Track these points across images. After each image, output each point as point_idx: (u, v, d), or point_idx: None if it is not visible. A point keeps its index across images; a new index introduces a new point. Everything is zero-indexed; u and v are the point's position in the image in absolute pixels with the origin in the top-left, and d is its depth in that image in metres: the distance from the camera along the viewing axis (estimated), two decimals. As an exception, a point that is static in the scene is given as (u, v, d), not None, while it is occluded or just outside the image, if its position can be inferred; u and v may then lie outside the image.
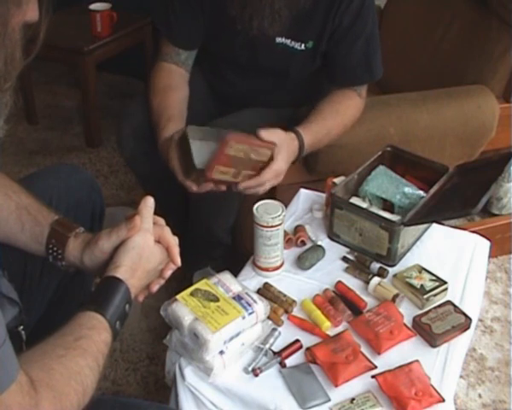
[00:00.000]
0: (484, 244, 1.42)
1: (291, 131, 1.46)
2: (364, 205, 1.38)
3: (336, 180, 1.44)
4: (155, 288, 1.03)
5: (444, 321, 1.17)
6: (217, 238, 1.72)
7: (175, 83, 1.60)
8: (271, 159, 1.37)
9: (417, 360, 1.09)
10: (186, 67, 1.65)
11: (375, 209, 1.37)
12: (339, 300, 1.23)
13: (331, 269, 1.33)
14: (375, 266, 1.32)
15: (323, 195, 1.49)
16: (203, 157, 1.34)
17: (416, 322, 1.18)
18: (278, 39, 1.56)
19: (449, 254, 1.38)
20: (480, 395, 1.64)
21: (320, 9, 1.52)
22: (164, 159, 1.43)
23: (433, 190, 1.37)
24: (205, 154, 1.34)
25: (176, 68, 1.63)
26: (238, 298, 1.10)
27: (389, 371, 1.07)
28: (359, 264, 1.34)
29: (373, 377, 1.07)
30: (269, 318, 1.15)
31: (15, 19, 0.75)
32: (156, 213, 1.03)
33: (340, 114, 1.57)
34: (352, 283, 1.29)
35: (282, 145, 1.39)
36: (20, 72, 0.78)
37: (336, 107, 1.57)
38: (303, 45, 1.57)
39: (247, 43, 1.56)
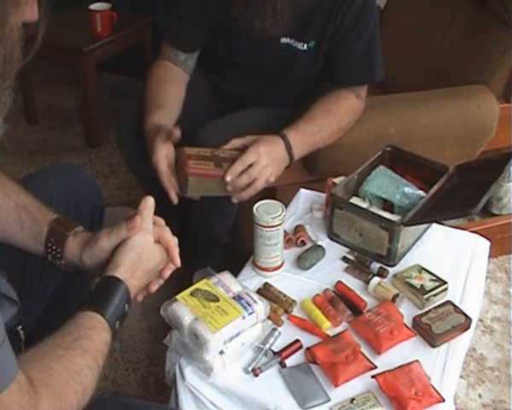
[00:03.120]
0: (484, 244, 1.42)
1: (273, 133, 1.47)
2: (364, 205, 1.38)
3: (336, 180, 1.44)
4: (155, 288, 1.04)
5: (444, 321, 1.17)
6: (217, 238, 1.71)
7: (170, 78, 1.60)
8: None
9: (417, 360, 1.09)
10: (185, 68, 1.65)
11: (375, 209, 1.37)
12: (339, 300, 1.23)
13: (331, 269, 1.33)
14: (375, 266, 1.32)
15: (323, 195, 1.49)
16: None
17: (416, 322, 1.18)
18: (283, 40, 1.55)
19: (449, 254, 1.38)
20: (480, 395, 1.64)
21: (322, 9, 1.52)
22: (148, 145, 1.42)
23: (433, 190, 1.37)
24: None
25: (173, 67, 1.63)
26: (238, 298, 1.10)
27: (389, 371, 1.07)
28: (359, 264, 1.33)
29: (373, 377, 1.06)
30: (269, 318, 1.15)
31: (14, 18, 0.75)
32: (156, 213, 1.03)
33: (332, 113, 1.56)
34: (352, 283, 1.29)
35: (255, 139, 1.41)
36: (18, 71, 0.78)
37: (328, 106, 1.56)
38: (305, 45, 1.57)
39: (251, 43, 1.56)
